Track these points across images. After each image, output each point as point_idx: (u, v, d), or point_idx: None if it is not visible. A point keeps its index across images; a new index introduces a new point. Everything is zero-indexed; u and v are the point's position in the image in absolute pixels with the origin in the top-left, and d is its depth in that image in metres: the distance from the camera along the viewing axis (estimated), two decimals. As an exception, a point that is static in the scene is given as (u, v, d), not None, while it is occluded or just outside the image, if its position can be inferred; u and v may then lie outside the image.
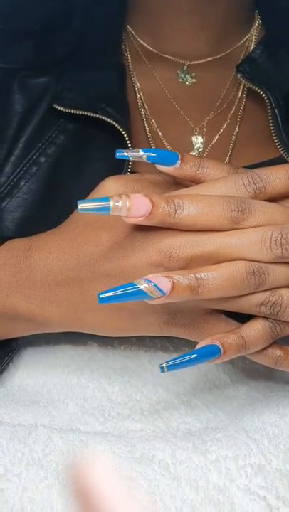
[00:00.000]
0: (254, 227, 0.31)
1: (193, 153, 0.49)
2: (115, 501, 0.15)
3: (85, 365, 0.38)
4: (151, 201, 0.30)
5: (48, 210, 0.45)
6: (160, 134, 0.49)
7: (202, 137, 0.49)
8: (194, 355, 0.31)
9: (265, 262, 0.30)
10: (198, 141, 0.49)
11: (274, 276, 0.30)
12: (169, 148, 0.49)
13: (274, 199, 0.32)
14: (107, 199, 0.30)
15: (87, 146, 0.47)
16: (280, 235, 0.30)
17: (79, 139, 0.48)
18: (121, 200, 0.30)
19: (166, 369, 0.31)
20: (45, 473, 0.29)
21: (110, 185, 0.34)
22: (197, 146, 0.49)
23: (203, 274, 0.30)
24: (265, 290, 0.31)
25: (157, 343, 0.40)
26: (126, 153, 0.33)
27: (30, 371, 0.37)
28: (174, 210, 0.30)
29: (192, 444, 0.31)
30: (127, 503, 0.15)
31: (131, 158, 0.33)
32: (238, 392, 0.37)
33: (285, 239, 0.30)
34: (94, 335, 0.37)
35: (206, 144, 0.49)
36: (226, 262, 0.30)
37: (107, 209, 0.30)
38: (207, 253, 0.31)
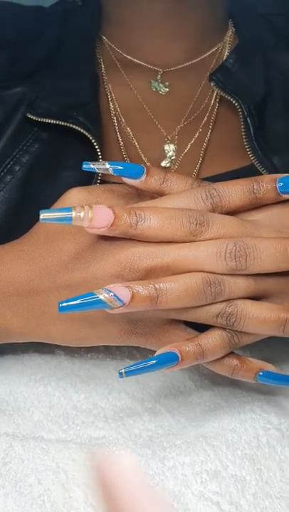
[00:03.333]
0: (212, 239, 0.31)
1: (166, 161, 0.50)
2: (139, 496, 0.16)
3: (52, 373, 0.39)
4: (114, 212, 0.31)
5: (22, 218, 0.46)
6: (134, 142, 0.50)
7: (174, 145, 0.50)
8: (154, 362, 0.31)
9: (221, 274, 0.31)
10: (170, 149, 0.50)
11: (230, 288, 0.31)
12: (142, 156, 0.50)
13: (233, 212, 0.33)
14: (69, 209, 0.31)
15: (61, 155, 0.48)
16: (235, 248, 0.30)
17: (53, 148, 0.49)
18: (83, 210, 0.31)
19: (124, 375, 0.31)
20: (3, 481, 0.30)
21: (73, 196, 0.34)
22: (169, 154, 0.50)
23: (162, 285, 0.31)
24: (222, 301, 0.31)
25: (124, 350, 0.40)
26: (92, 166, 0.33)
27: (-2, 379, 0.38)
28: (136, 221, 0.31)
29: (151, 450, 0.32)
30: (148, 498, 0.16)
31: (97, 171, 0.33)
32: (202, 398, 0.37)
33: (238, 251, 0.30)
34: (62, 343, 0.37)
35: (178, 152, 0.50)
36: (184, 273, 0.31)
37: (69, 219, 0.31)
38: (166, 264, 0.31)
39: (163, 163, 0.50)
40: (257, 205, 0.33)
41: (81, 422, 0.36)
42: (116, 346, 0.41)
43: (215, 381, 0.39)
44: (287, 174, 0.33)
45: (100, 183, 0.44)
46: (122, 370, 0.32)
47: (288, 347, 0.42)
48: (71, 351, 0.40)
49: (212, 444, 0.32)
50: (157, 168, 0.34)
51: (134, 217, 0.31)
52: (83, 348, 0.40)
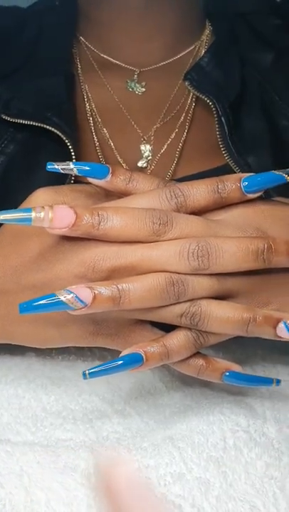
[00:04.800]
0: (175, 239, 0.31)
1: (142, 162, 0.49)
2: (135, 501, 0.16)
3: (23, 375, 0.38)
4: (75, 212, 0.31)
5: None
6: (110, 143, 0.50)
7: (150, 146, 0.50)
8: (118, 363, 0.31)
9: (184, 274, 0.31)
10: (146, 149, 0.50)
11: (193, 288, 0.31)
12: (118, 157, 0.50)
13: (199, 212, 0.32)
14: (29, 210, 0.30)
15: (35, 156, 0.48)
16: (197, 247, 0.30)
17: (28, 149, 0.48)
18: (43, 211, 0.30)
19: (88, 376, 0.31)
20: None
21: (39, 196, 0.34)
22: (146, 154, 0.50)
23: (124, 285, 0.30)
24: (186, 301, 0.31)
25: (95, 352, 0.40)
26: (56, 166, 0.33)
27: None
28: (98, 221, 0.31)
29: (117, 453, 0.32)
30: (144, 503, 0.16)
31: (61, 171, 0.33)
32: (172, 400, 0.37)
33: (201, 251, 0.30)
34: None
35: (154, 152, 0.50)
36: (147, 273, 0.31)
37: (29, 220, 0.30)
38: (129, 265, 0.31)
39: (139, 164, 0.49)
40: (222, 205, 0.33)
41: (49, 424, 0.35)
42: (88, 348, 0.41)
43: (186, 382, 0.38)
44: (252, 174, 0.32)
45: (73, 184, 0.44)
46: (86, 371, 0.31)
47: (260, 348, 0.41)
48: (42, 353, 0.40)
49: (178, 446, 0.32)
50: (123, 168, 0.34)
51: (97, 217, 0.31)
52: (54, 350, 0.40)
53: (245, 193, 0.32)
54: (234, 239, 0.31)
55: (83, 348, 0.40)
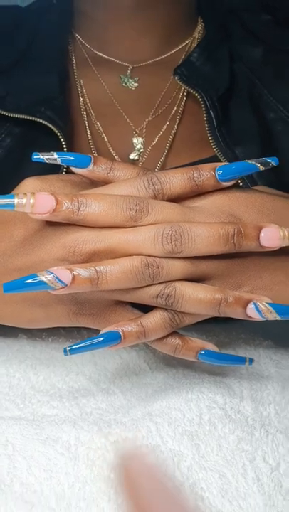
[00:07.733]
0: (151, 224, 0.33)
1: (134, 154, 0.51)
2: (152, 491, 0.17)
3: (14, 356, 0.40)
4: (56, 199, 0.32)
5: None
6: (103, 136, 0.51)
7: (142, 138, 0.51)
8: (97, 340, 0.33)
9: (159, 257, 0.32)
10: (138, 142, 0.52)
11: (168, 270, 0.32)
12: (110, 150, 0.51)
13: (175, 199, 0.34)
14: (12, 196, 0.32)
15: (30, 149, 0.49)
16: (170, 232, 0.32)
17: (23, 142, 0.50)
18: (25, 197, 0.32)
19: (68, 352, 0.33)
20: None
21: (27, 185, 0.36)
22: (138, 147, 0.52)
23: (102, 267, 0.32)
24: (161, 283, 0.33)
25: (84, 334, 0.42)
26: (41, 156, 0.35)
27: None
28: (78, 207, 0.33)
29: (97, 427, 0.34)
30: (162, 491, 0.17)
31: (46, 161, 0.35)
32: (156, 379, 0.39)
33: (174, 235, 0.32)
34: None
35: (146, 145, 0.51)
36: (125, 256, 0.33)
37: (12, 205, 0.32)
38: (108, 248, 0.33)
39: (131, 156, 0.51)
40: (198, 192, 0.34)
41: (37, 401, 0.37)
42: (77, 331, 0.42)
43: (170, 364, 0.40)
44: (226, 163, 0.34)
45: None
46: (67, 348, 0.33)
47: (243, 332, 0.43)
48: (33, 335, 0.42)
49: (155, 421, 0.34)
50: (104, 158, 0.35)
51: (76, 203, 0.33)
52: (45, 332, 0.42)
53: (220, 181, 0.34)
54: (206, 224, 0.32)
55: (72, 330, 0.42)
